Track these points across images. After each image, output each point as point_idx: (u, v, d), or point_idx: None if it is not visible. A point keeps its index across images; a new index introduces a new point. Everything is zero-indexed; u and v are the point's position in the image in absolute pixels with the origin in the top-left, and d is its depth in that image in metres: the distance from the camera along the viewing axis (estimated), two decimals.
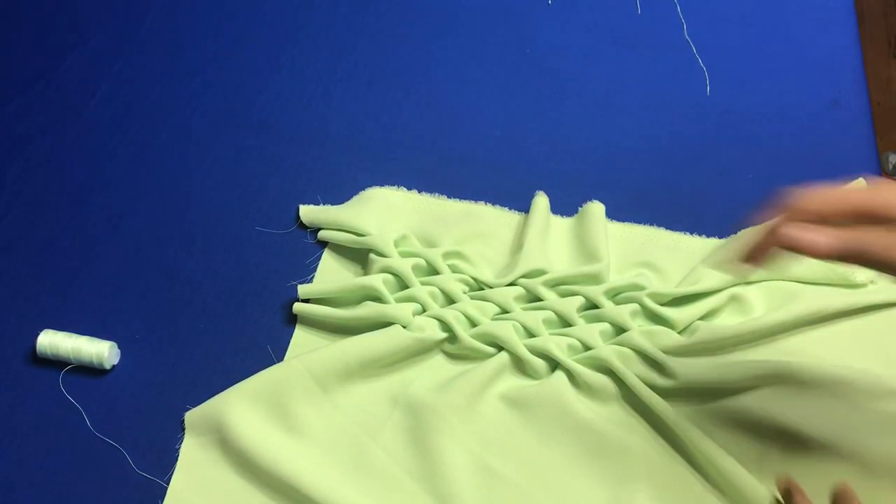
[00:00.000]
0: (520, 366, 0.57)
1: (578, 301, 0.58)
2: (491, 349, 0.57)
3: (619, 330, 0.56)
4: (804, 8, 0.73)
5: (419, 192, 0.66)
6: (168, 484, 0.54)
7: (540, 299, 0.58)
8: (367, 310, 0.58)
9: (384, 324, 0.57)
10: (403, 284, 0.59)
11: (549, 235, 0.62)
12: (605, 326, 0.57)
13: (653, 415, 0.54)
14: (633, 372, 0.54)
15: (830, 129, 0.67)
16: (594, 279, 0.59)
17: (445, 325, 0.57)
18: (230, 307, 0.61)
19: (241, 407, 0.55)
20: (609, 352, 0.55)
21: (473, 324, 0.57)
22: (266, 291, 0.62)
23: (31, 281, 0.64)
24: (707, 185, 0.65)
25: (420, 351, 0.58)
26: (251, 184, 0.67)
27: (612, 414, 0.55)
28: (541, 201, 0.63)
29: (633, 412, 0.55)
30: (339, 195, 0.66)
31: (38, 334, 0.59)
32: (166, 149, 0.70)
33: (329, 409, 0.56)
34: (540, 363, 0.56)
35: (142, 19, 0.77)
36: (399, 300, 0.58)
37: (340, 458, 0.54)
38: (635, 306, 0.57)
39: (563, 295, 0.59)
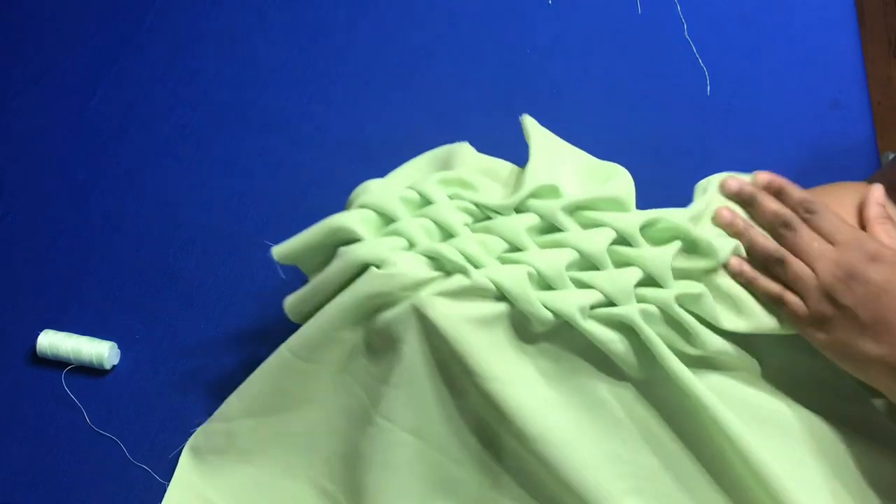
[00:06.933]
0: (524, 317, 0.46)
1: (608, 236, 0.46)
2: (491, 286, 0.46)
3: (653, 281, 0.46)
4: (804, 8, 0.73)
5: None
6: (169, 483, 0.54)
7: (557, 229, 0.47)
8: (338, 261, 0.47)
9: (358, 271, 0.47)
10: (389, 221, 0.48)
11: (557, 154, 0.52)
12: (637, 274, 0.45)
13: (672, 394, 0.46)
14: (656, 332, 0.45)
15: (830, 129, 0.67)
16: (620, 205, 0.48)
17: (438, 263, 0.46)
18: (230, 307, 0.61)
19: (244, 414, 0.54)
20: (635, 312, 0.44)
21: (475, 265, 0.46)
22: (266, 291, 0.62)
23: (31, 281, 0.64)
24: None
25: (401, 295, 0.46)
26: (251, 184, 0.67)
27: (626, 391, 0.47)
28: (531, 122, 0.55)
29: (648, 391, 0.47)
30: (339, 195, 0.66)
31: (38, 334, 0.59)
32: (166, 149, 0.70)
33: (325, 382, 0.51)
34: (549, 320, 0.45)
35: (142, 19, 0.77)
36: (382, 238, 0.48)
37: (346, 432, 0.50)
38: (677, 245, 0.46)
39: (587, 225, 0.47)
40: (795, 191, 0.47)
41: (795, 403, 0.47)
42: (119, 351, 0.60)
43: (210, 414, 0.55)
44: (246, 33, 0.76)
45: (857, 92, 0.69)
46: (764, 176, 0.49)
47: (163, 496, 0.54)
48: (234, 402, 0.54)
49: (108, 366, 0.59)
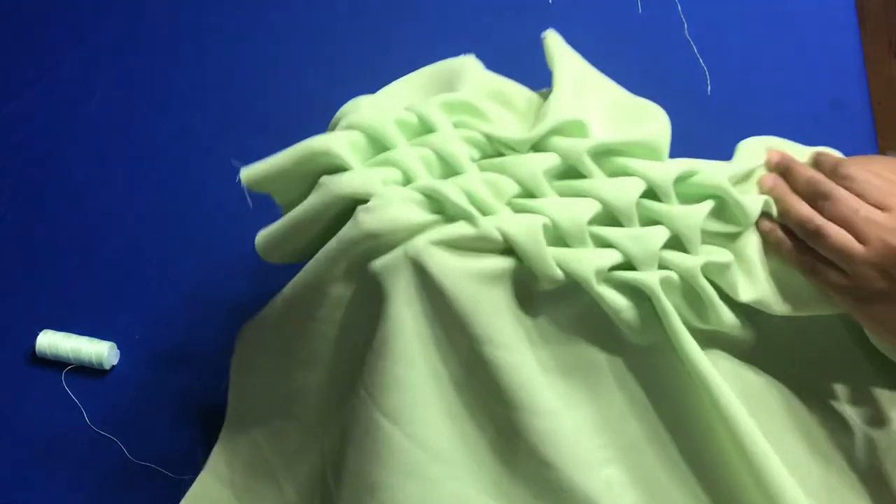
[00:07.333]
0: (528, 274, 0.40)
1: (638, 188, 0.40)
2: (499, 238, 0.39)
3: (677, 243, 0.40)
4: (805, 8, 0.73)
5: None
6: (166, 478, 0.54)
7: (579, 175, 0.41)
8: (319, 192, 0.40)
9: (344, 209, 0.40)
10: (382, 148, 0.41)
11: (586, 84, 0.46)
12: (665, 235, 0.40)
13: (670, 366, 0.41)
14: (672, 303, 0.40)
15: (831, 129, 0.67)
16: (655, 152, 0.41)
17: (437, 205, 0.39)
18: (231, 307, 0.61)
19: (265, 350, 0.49)
20: (656, 280, 0.39)
21: (481, 211, 0.39)
22: (267, 292, 0.62)
23: (31, 281, 0.64)
24: None
25: (392, 239, 0.39)
26: None
27: (621, 359, 0.43)
28: (556, 40, 0.48)
29: (644, 361, 0.43)
30: None
31: (37, 334, 0.59)
32: (166, 149, 0.70)
33: (327, 343, 0.45)
34: (561, 280, 0.40)
35: (141, 18, 0.77)
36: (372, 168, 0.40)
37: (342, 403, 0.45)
38: (709, 205, 0.40)
39: (615, 174, 0.41)
40: (828, 158, 0.43)
41: (783, 380, 0.45)
42: (119, 351, 0.60)
43: (209, 416, 0.55)
44: (246, 33, 0.76)
45: (857, 92, 0.69)
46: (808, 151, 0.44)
47: (162, 496, 0.54)
48: (250, 332, 0.50)
49: (107, 366, 0.59)
